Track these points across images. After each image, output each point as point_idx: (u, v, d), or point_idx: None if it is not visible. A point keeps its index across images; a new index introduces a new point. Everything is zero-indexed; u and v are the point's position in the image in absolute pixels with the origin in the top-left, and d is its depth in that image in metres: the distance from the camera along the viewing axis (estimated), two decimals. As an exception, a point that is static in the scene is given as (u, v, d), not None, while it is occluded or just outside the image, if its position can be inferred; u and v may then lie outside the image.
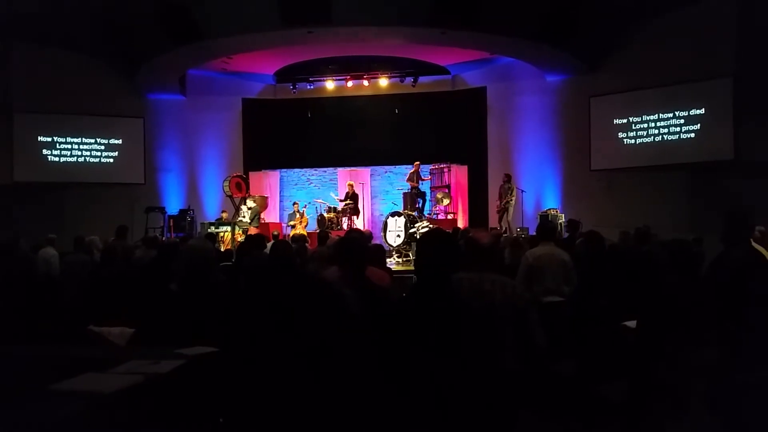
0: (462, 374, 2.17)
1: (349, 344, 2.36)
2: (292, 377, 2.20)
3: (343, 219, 13.05)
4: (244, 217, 12.16)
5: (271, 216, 14.42)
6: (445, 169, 14.12)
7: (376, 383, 2.20)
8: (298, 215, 13.04)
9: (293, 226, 12.76)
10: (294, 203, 13.48)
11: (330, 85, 14.57)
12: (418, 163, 13.36)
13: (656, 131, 11.99)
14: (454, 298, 2.34)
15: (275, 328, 2.32)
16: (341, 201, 13.34)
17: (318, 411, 2.17)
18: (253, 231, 10.94)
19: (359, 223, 13.55)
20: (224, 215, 13.00)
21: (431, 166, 13.92)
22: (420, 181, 13.40)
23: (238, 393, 2.27)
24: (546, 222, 8.00)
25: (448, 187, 13.97)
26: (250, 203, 12.32)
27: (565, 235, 9.05)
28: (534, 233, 10.50)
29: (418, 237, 11.25)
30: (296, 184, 15.48)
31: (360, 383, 2.24)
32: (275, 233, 11.14)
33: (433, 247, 2.37)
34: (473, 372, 2.19)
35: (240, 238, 11.03)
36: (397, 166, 14.98)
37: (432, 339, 2.19)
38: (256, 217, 12.22)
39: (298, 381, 2.19)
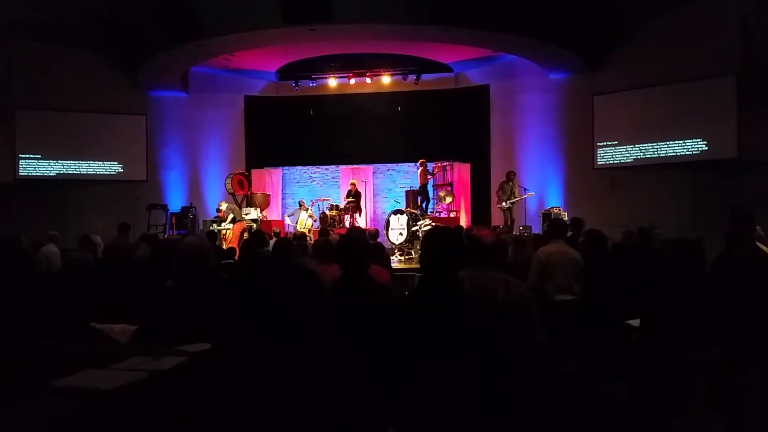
0: (464, 372, 2.15)
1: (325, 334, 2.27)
2: (279, 372, 2.16)
3: (345, 217, 13.04)
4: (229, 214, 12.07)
5: (273, 213, 14.42)
6: (448, 167, 14.10)
7: (368, 380, 2.17)
8: (305, 213, 12.99)
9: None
10: (300, 201, 13.48)
11: (332, 82, 14.54)
12: (423, 161, 13.22)
13: (659, 129, 11.94)
14: (459, 296, 2.33)
15: (261, 323, 2.27)
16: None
17: (308, 406, 2.15)
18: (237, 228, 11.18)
19: (361, 221, 13.54)
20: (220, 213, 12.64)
21: (433, 164, 13.90)
22: (428, 179, 13.29)
23: (233, 390, 2.26)
24: (557, 220, 8.04)
25: (451, 185, 13.95)
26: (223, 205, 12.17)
27: (568, 233, 9.01)
28: (539, 232, 10.49)
29: (420, 235, 11.25)
30: (298, 182, 15.49)
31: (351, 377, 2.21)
32: (276, 230, 11.15)
33: (437, 244, 2.35)
34: (475, 370, 2.18)
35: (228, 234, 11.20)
36: (399, 164, 14.98)
37: (435, 337, 2.17)
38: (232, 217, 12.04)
39: (284, 375, 2.15)
